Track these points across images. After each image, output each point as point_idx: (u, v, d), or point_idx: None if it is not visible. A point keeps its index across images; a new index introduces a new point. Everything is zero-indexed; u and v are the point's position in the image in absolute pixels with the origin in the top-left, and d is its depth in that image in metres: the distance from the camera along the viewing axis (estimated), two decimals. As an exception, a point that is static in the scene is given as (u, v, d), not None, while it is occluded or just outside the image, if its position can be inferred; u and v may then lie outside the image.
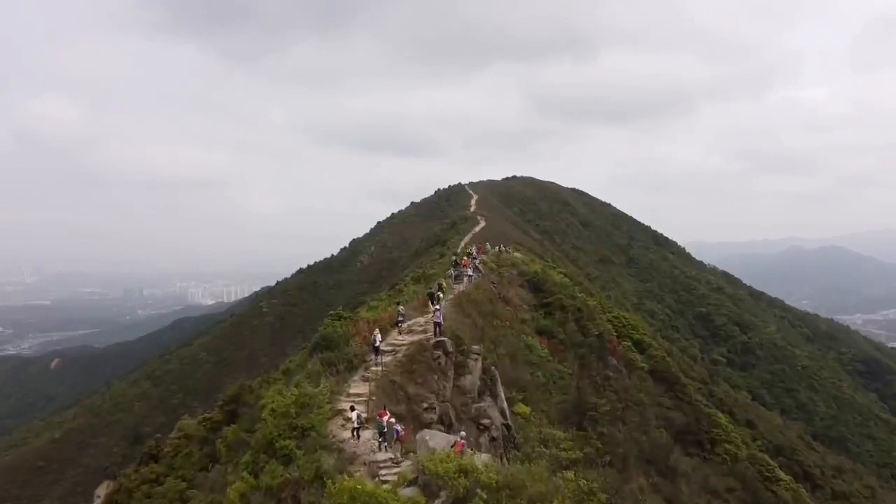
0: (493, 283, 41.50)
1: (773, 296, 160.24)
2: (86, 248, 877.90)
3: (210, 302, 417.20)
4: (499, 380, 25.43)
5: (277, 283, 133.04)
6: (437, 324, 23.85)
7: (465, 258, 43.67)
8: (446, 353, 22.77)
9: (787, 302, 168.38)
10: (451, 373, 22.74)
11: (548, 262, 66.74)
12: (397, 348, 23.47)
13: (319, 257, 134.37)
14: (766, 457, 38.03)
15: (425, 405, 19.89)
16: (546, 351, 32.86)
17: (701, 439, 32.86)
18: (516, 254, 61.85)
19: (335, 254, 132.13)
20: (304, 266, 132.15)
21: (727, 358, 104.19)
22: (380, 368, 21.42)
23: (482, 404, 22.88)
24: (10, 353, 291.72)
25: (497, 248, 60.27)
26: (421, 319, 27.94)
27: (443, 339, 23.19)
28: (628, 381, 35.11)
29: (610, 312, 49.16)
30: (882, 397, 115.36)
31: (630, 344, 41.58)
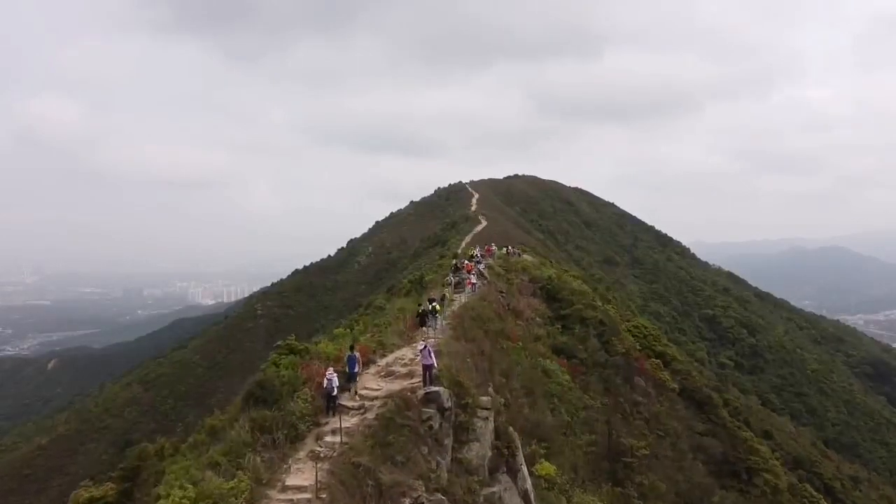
0: (501, 292, 36.04)
1: (775, 297, 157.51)
2: (86, 248, 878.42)
3: (210, 302, 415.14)
4: (520, 447, 18.25)
5: (272, 284, 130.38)
6: (427, 367, 16.99)
7: (467, 262, 39.11)
8: (442, 412, 15.81)
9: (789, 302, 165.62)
10: (448, 441, 15.64)
11: (552, 263, 62.47)
12: (367, 403, 16.34)
13: (319, 258, 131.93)
14: (810, 487, 35.04)
15: (408, 501, 12.97)
16: (567, 376, 27.37)
17: (738, 469, 29.29)
18: (526, 256, 56.11)
19: (332, 254, 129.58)
20: (301, 267, 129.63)
21: (735, 361, 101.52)
22: (338, 440, 14.21)
23: (495, 489, 15.75)
24: (8, 353, 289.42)
25: (505, 249, 54.65)
26: (408, 352, 20.69)
27: (436, 389, 16.29)
28: (658, 405, 31.01)
29: (629, 321, 44.52)
30: (892, 401, 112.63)
31: (658, 361, 36.60)
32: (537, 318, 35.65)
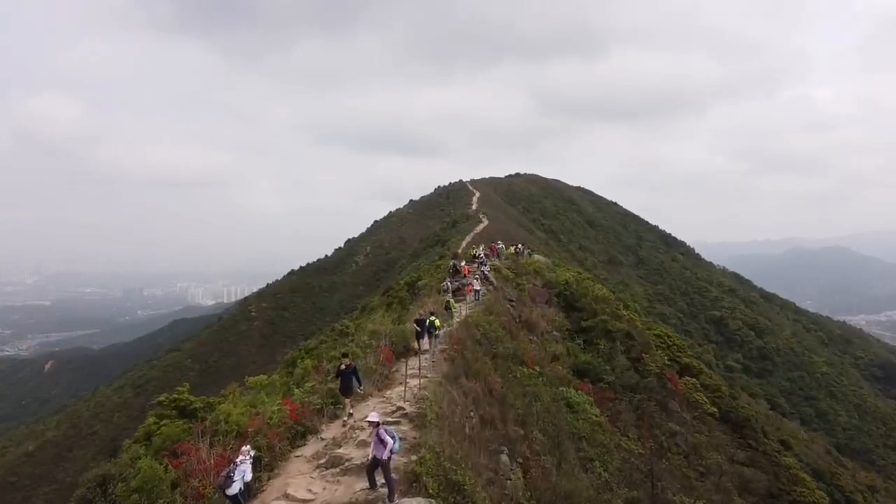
0: (511, 300, 30.70)
1: (781, 297, 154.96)
2: (86, 248, 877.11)
3: (210, 302, 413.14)
4: None
5: (267, 285, 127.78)
6: (376, 463, 9.60)
7: (464, 264, 33.96)
8: None
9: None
10: None
11: (565, 264, 57.19)
12: None
13: (317, 258, 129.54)
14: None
15: None
16: (596, 410, 21.67)
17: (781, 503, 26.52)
18: (538, 256, 49.90)
19: (329, 255, 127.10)
20: (296, 267, 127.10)
21: (743, 364, 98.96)
22: None
23: None
24: (7, 353, 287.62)
25: (514, 248, 48.51)
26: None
27: None
28: (698, 434, 26.39)
29: (650, 329, 38.54)
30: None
31: (694, 380, 31.26)
32: (554, 332, 30.06)
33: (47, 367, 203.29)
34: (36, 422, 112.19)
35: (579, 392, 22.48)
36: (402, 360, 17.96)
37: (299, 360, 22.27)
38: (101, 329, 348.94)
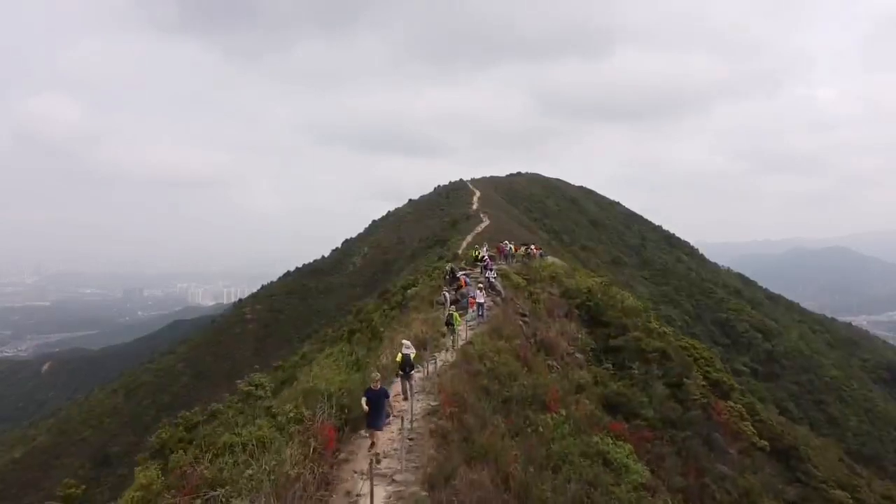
0: (524, 315, 25.39)
1: (787, 298, 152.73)
2: (86, 248, 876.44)
3: (210, 303, 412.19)
4: None
5: (262, 286, 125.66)
6: None
7: (461, 273, 28.53)
8: None
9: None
10: None
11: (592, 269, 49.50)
12: None
13: (313, 258, 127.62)
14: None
15: None
16: (639, 466, 16.29)
17: (834, 548, 23.64)
18: (553, 258, 43.75)
19: (325, 255, 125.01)
20: (292, 268, 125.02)
21: (750, 368, 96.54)
22: None
23: None
24: (6, 355, 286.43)
25: (524, 248, 41.96)
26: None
27: None
28: (750, 475, 21.92)
29: (677, 340, 32.99)
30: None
31: (740, 407, 26.81)
32: (577, 354, 24.76)
33: (45, 368, 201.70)
34: (29, 426, 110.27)
35: (618, 442, 17.73)
36: (361, 433, 11.32)
37: (142, 463, 12.16)
38: (101, 330, 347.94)
